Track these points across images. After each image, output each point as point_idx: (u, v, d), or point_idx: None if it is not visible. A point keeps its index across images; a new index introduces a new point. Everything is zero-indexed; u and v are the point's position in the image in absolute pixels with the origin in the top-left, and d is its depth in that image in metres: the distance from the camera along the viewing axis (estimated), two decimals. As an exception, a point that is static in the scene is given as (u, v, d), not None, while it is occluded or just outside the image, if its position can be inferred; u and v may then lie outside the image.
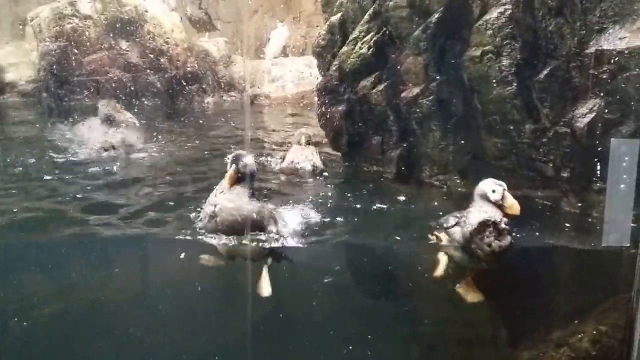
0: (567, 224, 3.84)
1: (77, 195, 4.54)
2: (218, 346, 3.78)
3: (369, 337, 3.47)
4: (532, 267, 3.52)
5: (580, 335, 3.02)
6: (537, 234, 3.66)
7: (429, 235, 3.68)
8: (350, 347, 3.42)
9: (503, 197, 3.29)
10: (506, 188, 3.32)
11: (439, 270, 3.50)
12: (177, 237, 3.77)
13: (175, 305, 3.86)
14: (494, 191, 3.33)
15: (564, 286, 3.55)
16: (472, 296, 3.43)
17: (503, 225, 3.27)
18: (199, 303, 3.86)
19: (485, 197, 3.35)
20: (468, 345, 3.44)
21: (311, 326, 3.67)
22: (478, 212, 3.32)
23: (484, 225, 3.26)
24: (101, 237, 3.88)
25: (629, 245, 2.95)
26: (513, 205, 3.26)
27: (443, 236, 3.61)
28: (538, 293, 3.39)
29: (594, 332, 3.02)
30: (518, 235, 3.47)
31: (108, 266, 3.98)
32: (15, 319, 3.68)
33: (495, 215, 3.28)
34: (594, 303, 3.23)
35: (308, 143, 5.35)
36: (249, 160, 3.61)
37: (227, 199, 3.53)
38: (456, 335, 3.47)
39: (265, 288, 3.54)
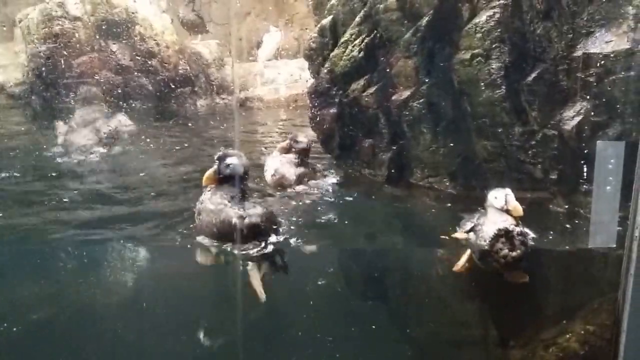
0: (555, 225, 3.88)
1: (64, 200, 4.53)
2: (210, 350, 3.77)
3: (359, 338, 3.48)
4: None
5: (568, 336, 3.05)
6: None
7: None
8: (341, 346, 3.42)
9: (506, 202, 3.31)
10: (509, 193, 3.33)
11: (459, 264, 3.52)
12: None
13: (167, 309, 3.85)
14: (496, 197, 3.35)
15: (552, 287, 3.58)
16: (519, 276, 3.40)
17: (515, 234, 3.25)
18: (190, 307, 3.85)
19: (492, 207, 3.37)
20: (457, 346, 3.46)
21: (305, 328, 3.68)
22: (490, 224, 3.33)
23: (497, 237, 3.26)
24: (94, 241, 3.87)
25: (615, 246, 2.99)
26: (516, 207, 3.28)
27: (461, 235, 3.63)
28: (526, 293, 3.42)
29: (582, 332, 3.05)
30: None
31: (102, 271, 3.96)
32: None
33: (505, 223, 3.28)
34: (581, 303, 3.26)
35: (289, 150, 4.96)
36: (233, 160, 3.46)
37: (211, 200, 3.42)
38: (445, 336, 3.49)
39: (259, 293, 3.34)
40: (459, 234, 3.67)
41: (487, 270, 3.43)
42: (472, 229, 3.46)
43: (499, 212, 3.34)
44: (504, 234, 3.25)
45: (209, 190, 3.48)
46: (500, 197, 3.32)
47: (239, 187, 3.51)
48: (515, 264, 3.29)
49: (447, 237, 3.72)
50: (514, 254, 3.24)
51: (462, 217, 3.75)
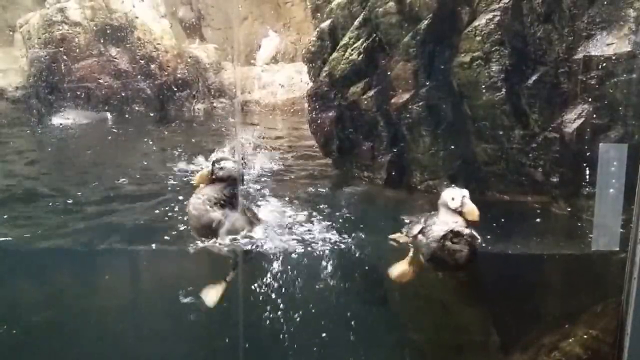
0: (557, 229, 3.85)
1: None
2: (208, 354, 3.74)
3: (359, 343, 3.44)
4: (523, 271, 3.52)
5: (571, 340, 3.02)
6: (527, 238, 3.67)
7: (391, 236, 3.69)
8: (340, 350, 3.39)
9: (462, 204, 3.25)
10: (467, 195, 3.28)
11: (399, 272, 3.50)
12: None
13: (164, 314, 3.82)
14: (453, 199, 3.29)
15: (554, 290, 3.55)
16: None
17: (465, 236, 3.22)
18: (189, 310, 3.82)
19: (446, 206, 3.32)
20: (459, 351, 3.43)
21: (304, 331, 3.64)
22: (440, 224, 3.29)
23: (445, 237, 3.23)
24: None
25: (618, 249, 2.96)
26: (472, 212, 3.21)
27: (403, 238, 3.62)
28: (529, 298, 3.39)
29: (585, 337, 3.02)
30: (488, 240, 3.45)
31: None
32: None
33: (456, 224, 3.24)
34: (584, 307, 3.24)
35: None
36: (228, 163, 3.56)
37: (194, 202, 3.52)
38: (447, 341, 3.46)
39: (211, 297, 3.45)
40: (399, 236, 3.65)
41: (435, 271, 3.39)
42: (420, 231, 3.41)
43: (451, 212, 3.28)
44: (455, 235, 3.21)
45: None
46: (457, 197, 3.27)
47: (230, 191, 3.57)
48: (464, 266, 3.26)
49: (394, 242, 3.70)
50: (463, 254, 3.20)
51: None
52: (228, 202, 3.54)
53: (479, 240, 3.33)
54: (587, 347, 2.96)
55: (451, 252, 3.22)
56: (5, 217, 4.25)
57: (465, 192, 3.29)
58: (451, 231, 3.22)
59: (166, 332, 3.81)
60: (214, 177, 3.54)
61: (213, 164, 3.55)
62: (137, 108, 8.53)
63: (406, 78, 4.60)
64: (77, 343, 3.72)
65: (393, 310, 3.81)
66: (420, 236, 3.40)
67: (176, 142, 6.57)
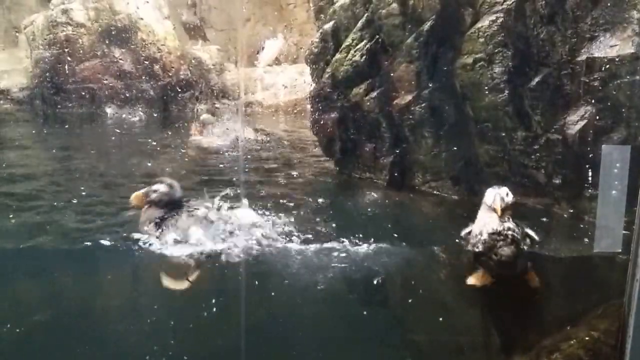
0: (559, 230, 3.84)
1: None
2: (208, 354, 3.73)
3: (360, 344, 3.43)
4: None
5: (572, 342, 3.00)
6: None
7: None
8: (340, 352, 3.38)
9: (494, 200, 3.24)
10: (501, 192, 3.26)
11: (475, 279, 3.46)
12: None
13: (166, 312, 3.81)
14: (489, 195, 3.28)
15: (556, 292, 3.53)
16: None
17: (507, 232, 3.19)
18: (189, 310, 3.81)
19: (485, 204, 3.31)
20: (460, 352, 3.41)
21: (303, 334, 3.64)
22: (479, 222, 3.28)
23: (480, 234, 3.21)
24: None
25: (620, 251, 2.95)
26: (496, 209, 3.21)
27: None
28: (530, 299, 3.38)
29: (587, 338, 3.00)
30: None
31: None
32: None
33: (493, 221, 3.22)
34: (586, 309, 3.21)
35: None
36: (160, 187, 3.62)
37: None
38: (448, 342, 3.44)
39: (170, 283, 3.46)
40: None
41: (486, 272, 3.37)
42: (469, 232, 3.39)
43: (489, 210, 3.26)
44: (494, 233, 3.18)
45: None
46: (490, 194, 3.26)
47: (163, 214, 3.61)
48: (509, 263, 3.21)
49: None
50: (506, 251, 3.16)
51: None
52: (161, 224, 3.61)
53: (537, 239, 3.28)
54: (589, 349, 2.93)
55: (491, 247, 3.17)
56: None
57: (502, 190, 3.25)
58: (490, 229, 3.18)
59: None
60: (148, 199, 3.60)
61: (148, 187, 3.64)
62: (140, 109, 8.56)
63: (409, 79, 4.61)
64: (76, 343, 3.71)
65: (392, 311, 3.80)
66: (467, 237, 3.38)
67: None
